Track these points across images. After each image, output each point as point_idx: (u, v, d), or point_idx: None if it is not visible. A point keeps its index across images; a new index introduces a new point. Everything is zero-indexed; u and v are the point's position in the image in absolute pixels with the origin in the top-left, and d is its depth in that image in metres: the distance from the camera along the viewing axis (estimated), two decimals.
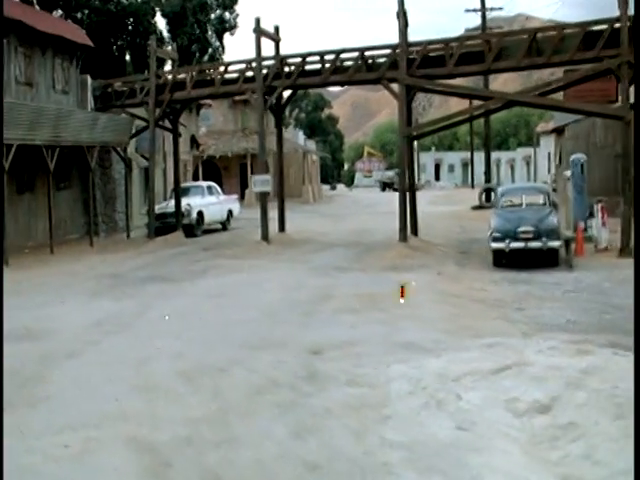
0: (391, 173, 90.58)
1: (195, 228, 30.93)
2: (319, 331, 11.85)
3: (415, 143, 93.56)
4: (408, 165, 24.59)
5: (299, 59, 25.10)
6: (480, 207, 40.13)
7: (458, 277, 18.01)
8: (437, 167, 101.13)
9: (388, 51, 23.90)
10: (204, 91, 27.34)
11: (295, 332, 11.79)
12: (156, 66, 28.52)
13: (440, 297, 15.03)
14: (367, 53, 23.98)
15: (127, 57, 38.49)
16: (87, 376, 9.30)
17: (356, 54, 24.07)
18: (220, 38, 38.17)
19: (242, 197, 46.80)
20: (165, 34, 36.34)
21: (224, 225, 34.16)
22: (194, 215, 30.86)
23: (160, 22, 38.06)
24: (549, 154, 76.03)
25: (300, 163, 58.95)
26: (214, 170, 54.05)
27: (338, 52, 24.33)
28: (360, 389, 8.48)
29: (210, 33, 37.50)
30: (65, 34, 27.12)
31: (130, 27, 36.79)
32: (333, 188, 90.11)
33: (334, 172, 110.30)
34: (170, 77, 28.39)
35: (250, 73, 25.87)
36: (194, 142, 45.29)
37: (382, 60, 23.86)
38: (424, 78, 23.41)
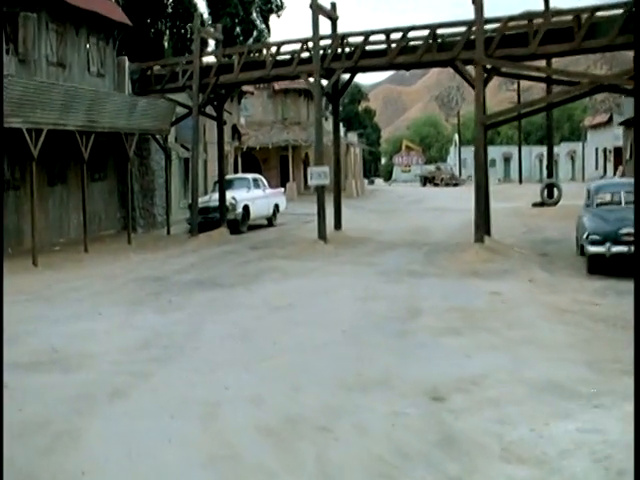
0: (432, 167, 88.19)
1: (240, 224, 28.55)
2: (426, 363, 9.32)
3: (456, 137, 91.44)
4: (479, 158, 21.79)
5: (361, 38, 22.51)
6: (542, 204, 37.36)
7: (554, 286, 15.36)
8: None
9: (462, 29, 21.24)
10: (253, 74, 24.80)
11: (396, 364, 9.26)
12: (200, 48, 26.08)
13: (550, 313, 12.45)
14: (439, 31, 21.36)
15: (166, 40, 36.09)
16: (139, 434, 6.80)
17: (426, 32, 21.46)
18: (265, 20, 35.43)
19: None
20: (206, 16, 33.89)
21: (270, 221, 31.76)
22: (239, 210, 28.47)
23: (201, 3, 35.92)
24: (597, 149, 73.32)
25: (343, 156, 56.28)
26: (253, 162, 51.67)
27: (406, 30, 21.72)
28: (526, 469, 5.91)
29: (255, 15, 34.87)
30: (100, 10, 24.69)
31: (169, 8, 34.39)
32: (371, 182, 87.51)
33: (371, 166, 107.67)
34: (215, 59, 25.93)
35: (306, 54, 23.35)
36: (236, 132, 42.84)
37: (455, 39, 21.21)
38: (504, 59, 20.74)
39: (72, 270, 18.66)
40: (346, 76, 25.15)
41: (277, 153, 53.04)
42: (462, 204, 43.28)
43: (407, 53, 21.81)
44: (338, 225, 25.04)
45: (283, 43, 24.16)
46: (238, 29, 33.82)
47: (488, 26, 20.61)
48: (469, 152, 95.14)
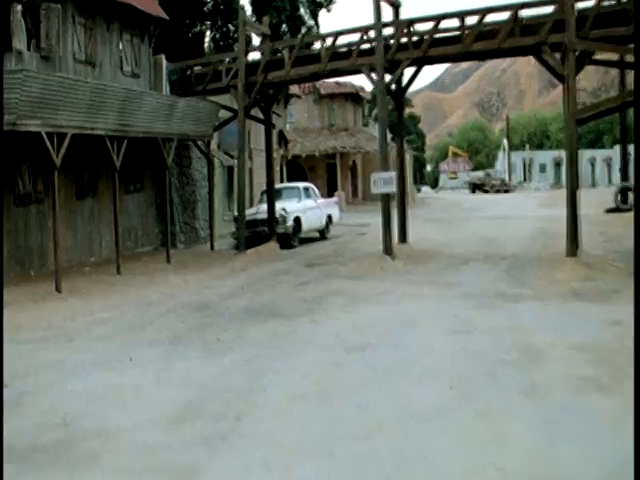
0: (481, 174, 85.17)
1: (292, 238, 25.83)
2: (588, 446, 6.40)
3: (505, 142, 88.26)
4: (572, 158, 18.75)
5: (431, 24, 19.65)
6: (616, 209, 34.18)
7: None
8: (525, 167, 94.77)
9: (549, 9, 18.33)
10: (307, 69, 21.96)
11: (545, 448, 6.37)
12: (245, 43, 23.37)
13: None
14: (522, 12, 18.45)
15: (206, 41, 33.48)
16: None
17: (507, 14, 18.56)
18: (314, 15, 32.59)
19: None
20: (249, 13, 31.02)
21: (322, 233, 28.97)
22: (290, 222, 25.73)
23: (244, 0, 33.18)
24: None
25: (393, 163, 53.39)
26: (299, 171, 49.01)
27: (483, 12, 18.82)
28: None
29: (303, 10, 32.08)
30: (134, 2, 22.03)
31: (210, 6, 31.79)
32: (418, 190, 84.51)
33: (417, 173, 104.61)
34: (262, 55, 23.23)
35: (366, 46, 20.58)
36: (282, 138, 40.13)
37: (541, 21, 18.30)
38: (600, 41, 17.74)
39: (101, 296, 16.00)
40: (408, 72, 22.24)
41: (324, 161, 50.38)
42: (521, 211, 40.56)
43: (485, 39, 18.91)
44: (403, 237, 22.17)
45: (340, 33, 21.29)
46: (284, 26, 31.00)
47: (580, 4, 17.69)
48: (518, 157, 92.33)
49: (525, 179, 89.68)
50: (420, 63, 20.87)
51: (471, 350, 10.11)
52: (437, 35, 19.64)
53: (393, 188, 19.90)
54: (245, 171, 24.16)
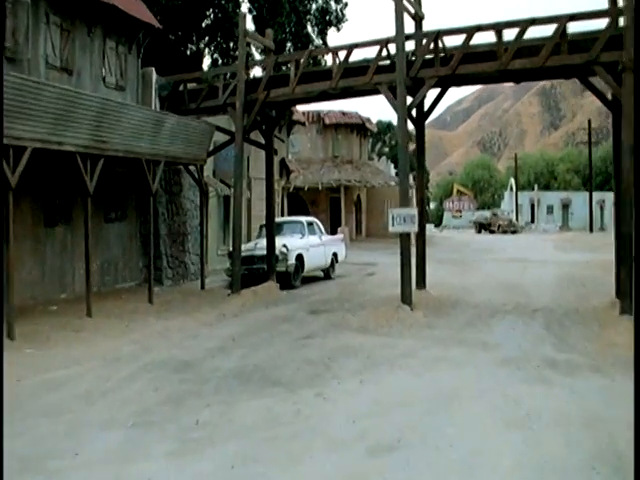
0: (487, 213, 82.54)
1: (293, 277, 23.04)
2: None
3: (512, 181, 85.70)
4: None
5: (462, 36, 16.96)
6: None
7: None
8: (532, 208, 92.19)
9: (602, 23, 15.67)
10: (315, 87, 19.20)
11: None
12: (246, 57, 20.67)
13: None
14: (571, 25, 15.77)
15: (206, 59, 30.83)
16: None
17: (552, 28, 15.88)
18: (323, 34, 29.87)
19: None
20: (252, 27, 28.29)
21: (327, 273, 26.15)
22: (292, 260, 22.95)
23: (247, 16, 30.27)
24: None
25: (398, 198, 50.71)
26: (300, 204, 46.36)
27: (524, 24, 16.13)
28: None
29: (310, 28, 29.33)
30: (120, 4, 19.30)
31: (209, 20, 29.15)
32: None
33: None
34: (264, 70, 20.57)
35: (385, 62, 17.91)
36: (284, 168, 37.37)
37: (592, 37, 15.62)
38: None
39: (63, 346, 13.20)
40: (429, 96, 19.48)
41: (327, 194, 47.75)
42: (538, 255, 37.76)
43: (525, 56, 16.21)
44: (421, 283, 19.27)
45: (355, 46, 18.53)
46: (290, 45, 28.31)
47: None
48: (525, 197, 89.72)
49: (533, 220, 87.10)
50: (446, 83, 18.15)
51: (543, 461, 7.23)
52: (468, 51, 16.94)
53: (414, 227, 17.12)
54: (242, 201, 21.30)
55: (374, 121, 59.41)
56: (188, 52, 29.66)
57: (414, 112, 18.86)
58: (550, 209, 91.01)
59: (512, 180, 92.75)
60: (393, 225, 17.04)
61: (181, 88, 22.09)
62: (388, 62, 17.91)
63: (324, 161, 49.23)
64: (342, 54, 18.73)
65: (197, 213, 23.70)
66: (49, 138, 13.94)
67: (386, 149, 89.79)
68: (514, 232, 70.85)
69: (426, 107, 19.46)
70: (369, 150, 62.09)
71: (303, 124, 42.58)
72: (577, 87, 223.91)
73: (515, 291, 21.65)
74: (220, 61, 29.00)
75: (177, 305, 18.76)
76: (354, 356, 12.25)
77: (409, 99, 17.69)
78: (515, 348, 12.93)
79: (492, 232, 72.25)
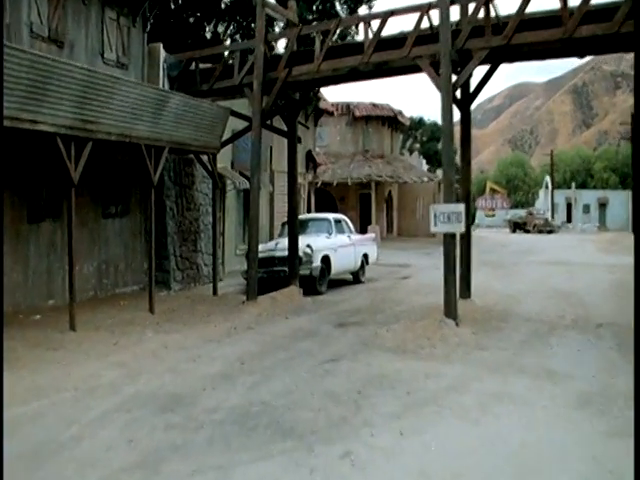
0: (522, 212, 79.57)
1: (318, 282, 20.43)
2: None
3: (548, 179, 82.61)
4: None
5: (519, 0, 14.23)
6: None
7: None
8: (568, 207, 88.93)
9: None
10: (343, 63, 16.52)
11: None
12: (265, 29, 18.02)
13: None
14: None
15: (225, 43, 28.21)
16: None
17: None
18: (353, 13, 27.03)
19: None
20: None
21: (356, 276, 23.51)
22: (317, 262, 20.33)
23: None
24: None
25: (432, 195, 48.04)
26: (329, 200, 43.81)
27: None
28: None
29: (339, 5, 26.56)
30: None
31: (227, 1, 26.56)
32: None
33: None
34: (287, 42, 17.92)
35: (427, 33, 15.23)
36: (310, 160, 34.71)
37: None
38: None
39: (29, 370, 10.66)
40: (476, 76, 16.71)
41: (356, 190, 45.08)
42: (582, 257, 34.85)
43: (595, 21, 13.46)
44: (465, 291, 16.53)
45: (391, 13, 15.72)
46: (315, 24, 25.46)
47: None
48: (561, 196, 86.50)
49: (569, 220, 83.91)
50: (498, 57, 15.39)
51: None
52: (525, 17, 14.22)
53: (460, 227, 14.35)
54: (259, 195, 18.69)
55: (410, 111, 56.79)
56: (207, 35, 27.08)
57: (458, 93, 16.18)
58: (587, 208, 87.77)
59: (547, 178, 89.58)
60: (435, 224, 14.28)
61: (193, 67, 19.52)
62: (429, 32, 15.23)
63: (354, 155, 46.63)
64: (375, 24, 16.05)
65: (211, 208, 21.19)
66: (18, 115, 11.39)
67: (417, 145, 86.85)
68: (550, 232, 67.94)
69: (472, 89, 16.76)
70: (401, 146, 59.24)
71: (331, 114, 40.01)
72: (610, 85, 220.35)
73: (568, 300, 18.98)
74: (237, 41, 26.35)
75: (182, 314, 16.22)
76: (390, 389, 9.64)
77: (453, 78, 15.00)
78: (588, 380, 10.25)
79: (527, 232, 69.45)
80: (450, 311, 13.86)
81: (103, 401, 9.15)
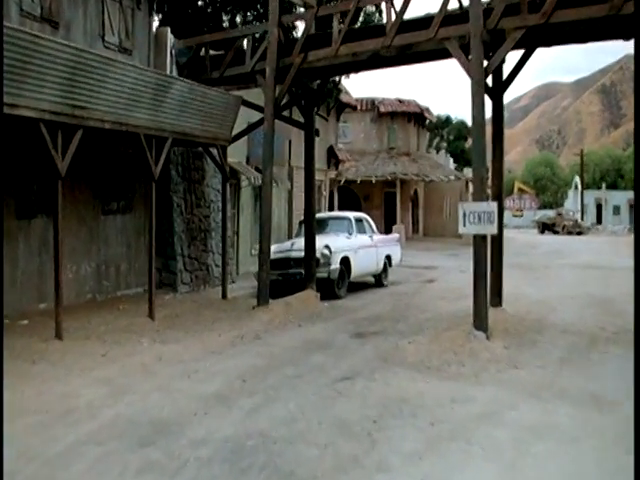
0: (551, 213, 77.75)
1: (337, 285, 19.00)
2: None
3: (577, 179, 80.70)
4: None
5: None
6: None
7: None
8: (599, 208, 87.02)
9: None
10: (363, 46, 15.05)
11: None
12: (279, 11, 16.55)
13: None
14: None
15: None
16: None
17: None
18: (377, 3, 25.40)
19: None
20: None
21: (379, 278, 22.04)
22: (336, 264, 18.90)
23: None
24: None
25: (459, 194, 46.46)
26: (352, 199, 42.38)
27: None
28: None
29: None
30: None
31: None
32: None
33: None
34: (305, 24, 16.46)
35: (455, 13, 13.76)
36: (332, 156, 33.28)
37: None
38: None
39: (6, 386, 9.30)
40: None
41: (381, 189, 43.59)
42: (614, 259, 33.06)
43: None
44: (496, 298, 14.98)
45: None
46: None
47: None
48: (590, 197, 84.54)
49: (599, 221, 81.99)
50: (534, 40, 13.86)
51: None
52: None
53: (492, 228, 12.82)
54: (277, 192, 17.31)
55: (438, 109, 55.24)
56: (225, 25, 25.66)
57: (490, 81, 14.69)
58: (617, 210, 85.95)
59: (577, 178, 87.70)
60: (465, 225, 12.77)
61: (202, 53, 18.14)
62: (458, 12, 13.76)
63: (379, 152, 45.17)
64: (399, 4, 14.58)
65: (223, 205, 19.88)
66: None
67: (444, 144, 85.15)
68: (579, 233, 66.22)
69: (504, 77, 15.26)
70: (427, 144, 57.67)
71: (355, 108, 38.55)
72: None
73: (607, 308, 17.46)
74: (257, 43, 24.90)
75: (185, 321, 14.86)
76: (411, 418, 8.21)
77: (485, 64, 13.50)
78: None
79: (556, 233, 67.83)
80: (480, 322, 12.36)
81: (75, 429, 7.80)
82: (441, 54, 14.48)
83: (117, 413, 8.42)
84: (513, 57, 14.94)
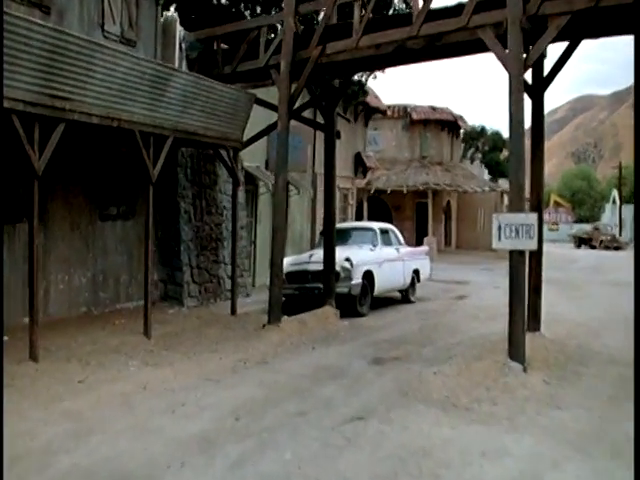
0: (588, 227, 75.71)
1: (358, 302, 17.39)
2: None
3: (615, 193, 78.44)
4: None
5: None
6: None
7: None
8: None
9: None
10: (387, 36, 13.40)
11: None
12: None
13: None
14: None
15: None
16: None
17: None
18: None
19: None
20: None
21: (406, 294, 20.41)
22: (358, 279, 17.29)
23: None
24: None
25: (493, 206, 44.62)
26: (383, 209, 40.78)
27: None
28: None
29: None
30: None
31: None
32: None
33: None
34: (324, 13, 14.90)
35: None
36: (360, 164, 31.74)
37: None
38: None
39: None
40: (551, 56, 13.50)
41: (413, 199, 41.95)
42: None
43: None
44: (534, 322, 13.26)
45: None
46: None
47: None
48: (628, 211, 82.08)
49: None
50: (580, 29, 12.20)
51: None
52: None
53: (532, 243, 11.11)
54: (300, 199, 15.74)
55: (472, 119, 53.55)
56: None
57: (529, 76, 13.07)
58: None
59: (614, 192, 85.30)
60: (499, 239, 11.07)
61: (215, 47, 16.66)
62: None
63: (410, 161, 43.54)
64: None
65: (240, 213, 18.41)
66: None
67: (479, 155, 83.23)
68: (617, 248, 64.05)
69: (546, 71, 13.62)
70: (460, 154, 55.87)
71: (384, 113, 36.95)
72: None
73: None
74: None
75: (186, 340, 13.34)
76: (431, 477, 6.62)
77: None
78: None
79: (593, 247, 65.77)
80: (516, 351, 10.68)
81: None
82: (474, 46, 12.84)
83: (74, 462, 6.94)
84: (554, 52, 13.37)
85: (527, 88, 12.73)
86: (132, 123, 12.01)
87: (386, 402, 9.32)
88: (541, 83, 13.51)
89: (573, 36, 12.66)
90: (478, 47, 12.64)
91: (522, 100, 11.50)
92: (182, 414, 8.62)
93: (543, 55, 12.98)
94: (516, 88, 11.44)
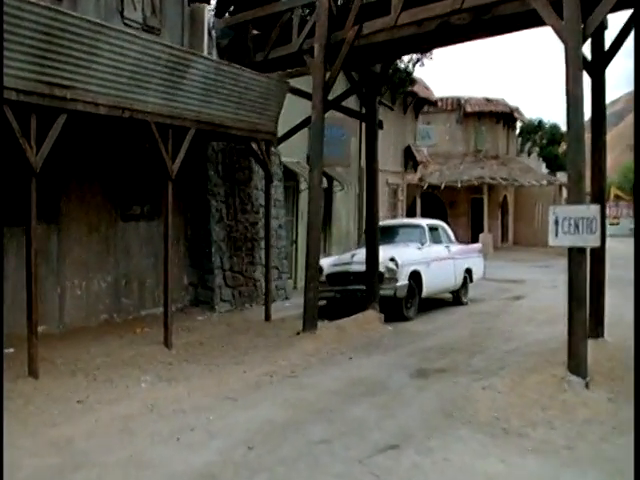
0: None
1: (405, 305, 16.13)
2: None
3: None
4: None
5: None
6: None
7: None
8: None
9: None
10: (429, 11, 11.99)
11: None
12: None
13: None
14: None
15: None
16: None
17: None
18: None
19: None
20: None
21: (457, 296, 19.08)
22: (404, 280, 15.99)
23: None
24: None
25: (552, 200, 42.82)
26: (437, 206, 39.36)
27: None
28: None
29: None
30: None
31: None
32: None
33: None
34: None
35: None
36: (410, 158, 30.40)
37: None
38: None
39: None
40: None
41: (467, 195, 40.44)
42: None
43: None
44: (596, 327, 11.89)
45: None
46: None
47: None
48: None
49: None
50: None
51: None
52: None
53: (594, 239, 9.68)
54: (345, 196, 14.55)
55: (529, 111, 51.74)
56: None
57: (588, 51, 11.69)
58: None
59: None
60: (557, 235, 9.69)
61: (246, 34, 15.54)
62: None
63: (464, 155, 41.97)
64: None
65: (277, 212, 17.30)
66: None
67: (536, 149, 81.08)
68: None
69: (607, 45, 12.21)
70: (517, 148, 54.06)
71: (435, 104, 35.53)
72: None
73: None
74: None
75: (211, 350, 12.24)
76: None
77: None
78: None
79: None
80: (576, 364, 9.30)
81: None
82: (527, 19, 11.49)
83: None
84: (615, 23, 11.97)
85: (586, 65, 11.33)
86: (146, 113, 10.91)
87: (425, 425, 8.09)
88: (602, 58, 12.11)
89: (635, 3, 11.22)
90: (531, 20, 11.29)
91: (581, 76, 10.10)
92: (187, 442, 7.48)
93: (603, 26, 11.63)
94: (574, 62, 10.03)
